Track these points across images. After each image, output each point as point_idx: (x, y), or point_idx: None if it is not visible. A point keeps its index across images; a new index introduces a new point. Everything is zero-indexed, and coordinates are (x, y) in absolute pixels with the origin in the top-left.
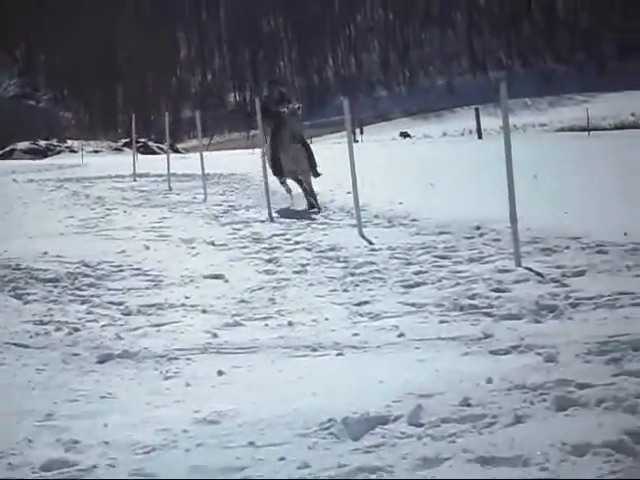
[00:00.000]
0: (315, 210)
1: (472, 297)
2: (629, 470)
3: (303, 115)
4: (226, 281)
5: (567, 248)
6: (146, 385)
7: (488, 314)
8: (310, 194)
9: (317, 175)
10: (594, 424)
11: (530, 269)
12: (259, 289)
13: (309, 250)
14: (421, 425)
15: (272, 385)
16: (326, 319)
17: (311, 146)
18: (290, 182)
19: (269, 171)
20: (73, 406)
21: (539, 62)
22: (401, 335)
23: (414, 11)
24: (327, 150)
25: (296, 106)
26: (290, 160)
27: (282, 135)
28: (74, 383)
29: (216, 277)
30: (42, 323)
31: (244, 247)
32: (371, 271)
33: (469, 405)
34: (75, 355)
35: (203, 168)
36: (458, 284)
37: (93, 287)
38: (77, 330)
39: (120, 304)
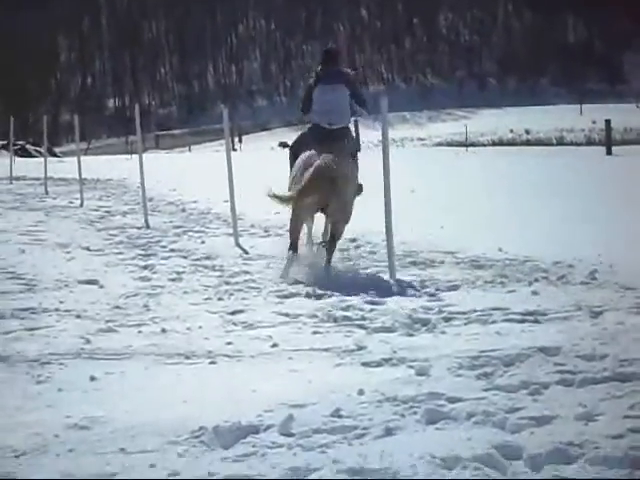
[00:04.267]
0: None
1: (346, 309)
2: None
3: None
4: (101, 287)
5: (442, 262)
6: (17, 389)
7: (361, 326)
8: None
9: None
10: (464, 438)
11: (404, 282)
12: (134, 295)
13: (185, 258)
14: (292, 435)
15: (144, 392)
16: (200, 327)
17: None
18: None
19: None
20: None
21: (419, 77)
22: (274, 345)
23: (296, 23)
24: (207, 158)
25: None
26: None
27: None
28: None
29: (91, 282)
30: None
31: (119, 253)
32: (246, 280)
33: (340, 416)
34: None
35: (80, 173)
36: (332, 295)
37: None
38: None
39: None
